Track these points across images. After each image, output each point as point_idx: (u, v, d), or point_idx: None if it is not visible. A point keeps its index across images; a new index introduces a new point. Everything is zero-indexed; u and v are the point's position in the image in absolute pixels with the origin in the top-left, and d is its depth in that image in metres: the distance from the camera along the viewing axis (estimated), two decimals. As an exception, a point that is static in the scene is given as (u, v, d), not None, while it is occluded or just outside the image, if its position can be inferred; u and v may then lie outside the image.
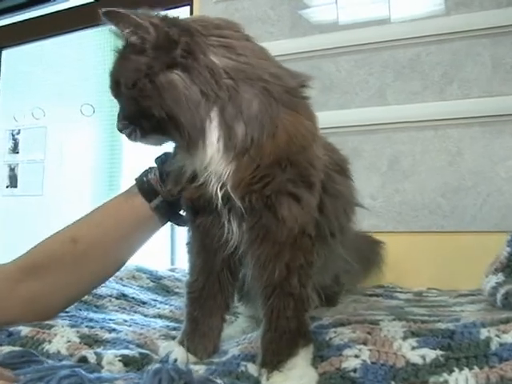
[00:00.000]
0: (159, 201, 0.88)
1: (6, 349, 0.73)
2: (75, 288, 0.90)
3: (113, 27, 0.70)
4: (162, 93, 0.67)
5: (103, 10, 0.68)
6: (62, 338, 0.77)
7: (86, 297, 1.02)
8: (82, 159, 2.50)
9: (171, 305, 1.11)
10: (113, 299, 1.07)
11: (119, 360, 0.69)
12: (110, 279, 1.12)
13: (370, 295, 1.19)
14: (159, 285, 1.27)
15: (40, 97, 2.53)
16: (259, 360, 0.68)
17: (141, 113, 0.70)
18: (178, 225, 0.91)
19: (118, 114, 0.74)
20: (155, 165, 0.90)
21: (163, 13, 0.72)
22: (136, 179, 0.91)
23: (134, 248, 0.92)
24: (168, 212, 0.89)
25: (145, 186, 0.89)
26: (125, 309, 1.04)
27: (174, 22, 0.70)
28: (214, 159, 0.68)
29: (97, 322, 0.88)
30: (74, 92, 2.37)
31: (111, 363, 0.68)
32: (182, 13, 2.07)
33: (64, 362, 0.68)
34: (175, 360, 0.72)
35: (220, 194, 0.70)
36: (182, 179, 0.74)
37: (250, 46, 0.72)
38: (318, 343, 0.70)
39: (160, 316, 1.01)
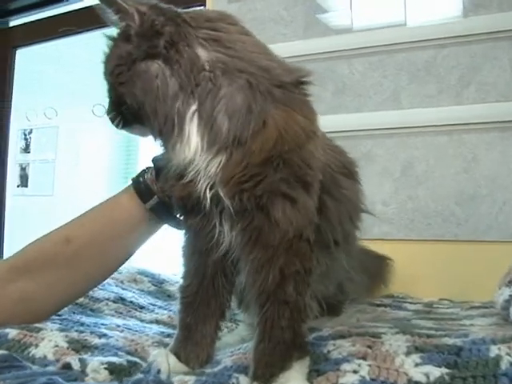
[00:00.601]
0: (155, 201, 0.84)
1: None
2: (68, 290, 0.87)
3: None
4: (136, 81, 0.66)
5: None
6: (49, 342, 0.74)
7: (81, 299, 0.99)
8: (94, 160, 2.49)
9: (170, 310, 1.08)
10: (110, 303, 1.04)
11: (105, 368, 0.65)
12: (110, 281, 1.10)
13: (378, 305, 1.15)
14: (160, 289, 1.24)
15: (52, 96, 2.53)
16: (250, 372, 0.64)
17: (119, 100, 0.69)
18: (175, 228, 0.87)
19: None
20: (152, 164, 0.86)
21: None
22: (132, 179, 0.88)
23: (129, 250, 0.88)
24: (164, 214, 0.85)
25: (141, 187, 0.85)
26: (121, 313, 1.01)
27: (163, 11, 0.68)
28: (198, 154, 0.65)
29: (88, 326, 0.85)
30: (86, 92, 2.35)
31: (96, 371, 0.65)
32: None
33: (46, 369, 0.65)
34: (158, 370, 0.68)
35: (209, 194, 0.66)
36: (170, 175, 0.71)
37: (243, 39, 0.69)
38: (315, 356, 0.66)
39: (157, 321, 0.98)
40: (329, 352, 0.67)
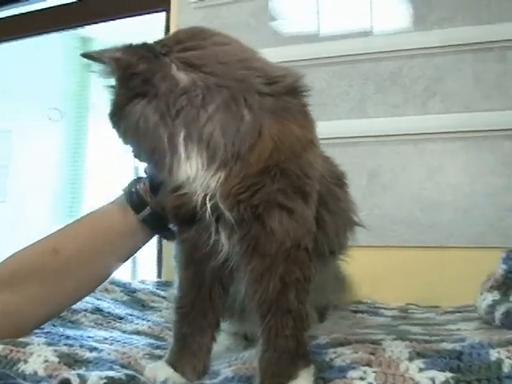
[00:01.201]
0: (147, 212, 0.82)
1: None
2: (54, 302, 0.82)
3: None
4: (125, 124, 0.69)
5: (82, 53, 0.71)
6: (38, 357, 0.70)
7: (59, 312, 0.96)
8: (47, 165, 2.42)
9: (148, 320, 1.05)
10: (88, 314, 1.00)
11: (105, 383, 0.63)
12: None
13: (355, 311, 1.16)
14: (134, 298, 1.20)
15: (5, 100, 2.44)
16: (257, 382, 0.63)
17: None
18: (166, 239, 0.86)
19: None
20: (144, 175, 0.85)
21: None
22: (123, 189, 0.85)
23: (118, 262, 0.85)
24: (156, 224, 0.83)
25: (133, 197, 0.83)
26: (101, 324, 0.97)
27: (136, 50, 0.68)
28: (198, 173, 0.65)
29: (75, 339, 0.81)
30: (40, 96, 2.29)
31: (95, 387, 0.62)
32: (157, 19, 2.03)
33: (44, 386, 0.62)
34: (164, 382, 0.67)
35: (209, 205, 0.66)
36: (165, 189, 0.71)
37: (216, 53, 0.69)
38: (318, 364, 0.66)
39: (139, 332, 0.95)
40: (331, 360, 0.67)
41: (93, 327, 0.95)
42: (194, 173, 0.65)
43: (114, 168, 2.23)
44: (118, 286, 1.25)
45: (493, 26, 1.43)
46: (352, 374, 0.62)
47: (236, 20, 1.73)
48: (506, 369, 0.59)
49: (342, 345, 0.71)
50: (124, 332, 0.94)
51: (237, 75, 0.66)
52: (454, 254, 1.43)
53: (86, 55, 0.70)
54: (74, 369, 0.69)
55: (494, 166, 1.42)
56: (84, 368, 0.69)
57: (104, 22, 2.15)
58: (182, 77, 0.66)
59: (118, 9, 2.10)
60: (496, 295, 0.85)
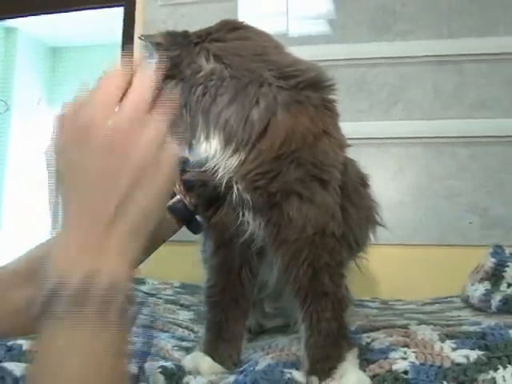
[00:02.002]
0: (176, 201, 0.84)
1: (11, 365, 0.65)
2: None
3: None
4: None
5: (139, 36, 0.76)
6: (73, 351, 0.69)
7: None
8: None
9: (146, 315, 1.05)
10: (92, 309, 0.99)
11: (160, 372, 0.64)
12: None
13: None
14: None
15: None
16: (307, 367, 0.66)
17: None
18: (193, 231, 0.87)
19: None
20: None
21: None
22: None
23: (143, 253, 0.85)
24: (185, 216, 0.85)
25: None
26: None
27: (175, 36, 0.75)
28: (217, 153, 0.70)
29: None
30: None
31: (154, 375, 0.63)
32: (116, 14, 2.00)
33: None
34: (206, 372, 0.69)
35: (235, 186, 0.71)
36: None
37: (238, 46, 0.74)
38: (357, 346, 0.71)
39: (145, 326, 0.95)
40: (368, 344, 0.72)
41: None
42: (213, 152, 0.70)
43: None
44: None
45: (452, 40, 1.55)
46: (394, 354, 0.67)
47: (204, 20, 1.73)
48: (529, 345, 0.66)
49: (371, 330, 0.76)
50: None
51: (250, 67, 0.71)
52: (415, 252, 1.53)
53: (141, 38, 0.75)
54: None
55: (452, 170, 1.53)
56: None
57: (59, 13, 2.09)
58: (205, 66, 0.72)
59: (72, 1, 2.06)
60: (487, 285, 0.94)
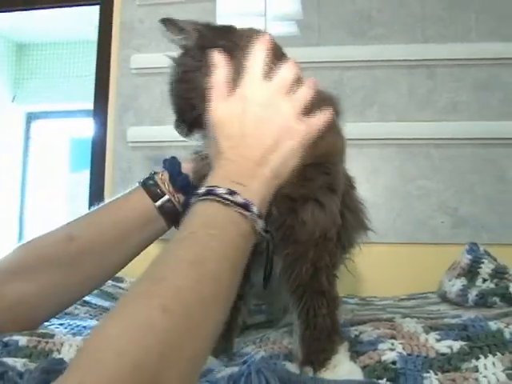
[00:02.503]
0: (165, 200, 0.85)
1: (9, 360, 0.66)
2: (69, 292, 0.82)
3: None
4: (182, 87, 0.77)
5: (164, 18, 0.77)
6: (70, 347, 0.70)
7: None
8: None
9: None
10: (78, 306, 0.99)
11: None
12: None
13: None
14: (103, 292, 1.19)
15: None
16: (301, 358, 0.69)
17: (185, 108, 0.77)
18: None
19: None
20: (161, 167, 0.89)
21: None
22: (140, 182, 0.88)
23: (132, 252, 0.86)
24: (173, 215, 0.86)
25: (151, 187, 0.86)
26: (96, 316, 0.97)
27: (216, 29, 0.79)
28: None
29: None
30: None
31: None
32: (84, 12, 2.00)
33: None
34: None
35: None
36: None
37: None
38: (346, 338, 0.73)
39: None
40: (357, 336, 0.75)
41: (91, 318, 0.94)
42: None
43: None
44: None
45: (425, 45, 1.60)
46: (382, 346, 0.70)
47: (182, 21, 1.76)
48: (507, 335, 0.70)
49: (358, 324, 0.79)
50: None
51: None
52: (388, 250, 1.57)
53: (166, 20, 0.76)
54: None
55: (425, 171, 1.58)
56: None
57: (33, 10, 2.07)
58: None
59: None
60: (464, 281, 0.98)
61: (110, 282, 1.32)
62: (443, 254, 1.34)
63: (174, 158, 0.89)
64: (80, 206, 3.04)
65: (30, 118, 4.00)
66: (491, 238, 1.52)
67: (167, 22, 0.77)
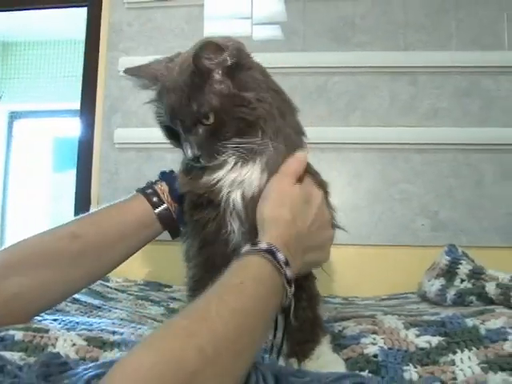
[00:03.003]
0: (163, 208, 0.90)
1: (7, 354, 0.68)
2: (65, 288, 0.84)
3: None
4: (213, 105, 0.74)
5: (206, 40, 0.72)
6: (65, 341, 0.72)
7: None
8: None
9: (120, 309, 1.08)
10: (69, 304, 1.01)
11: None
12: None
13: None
14: (91, 290, 1.21)
15: None
16: (286, 350, 0.73)
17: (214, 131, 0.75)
18: (173, 236, 0.94)
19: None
20: (159, 178, 0.94)
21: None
22: (139, 189, 0.93)
23: (128, 252, 0.91)
24: (169, 222, 0.91)
25: (152, 195, 0.91)
26: (86, 313, 0.99)
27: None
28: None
29: (88, 325, 0.84)
30: None
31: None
32: (79, 14, 2.00)
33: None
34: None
35: (233, 198, 0.76)
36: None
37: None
38: (331, 334, 0.77)
39: (123, 319, 0.98)
40: (340, 331, 0.78)
41: (82, 315, 0.96)
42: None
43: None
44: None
45: (407, 53, 1.65)
46: (364, 340, 0.74)
47: (170, 24, 1.78)
48: (482, 331, 0.75)
49: (342, 320, 0.82)
50: (113, 319, 0.97)
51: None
52: (370, 252, 1.61)
53: (208, 42, 0.71)
54: (104, 350, 0.73)
55: (406, 175, 1.62)
56: (116, 349, 0.73)
57: (21, 10, 2.08)
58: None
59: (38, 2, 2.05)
60: (442, 281, 1.02)
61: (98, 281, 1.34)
62: (423, 256, 1.38)
63: (172, 171, 0.94)
64: (64, 206, 3.03)
65: (13, 116, 3.98)
66: (470, 241, 1.57)
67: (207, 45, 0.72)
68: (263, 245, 0.64)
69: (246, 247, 0.65)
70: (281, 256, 0.63)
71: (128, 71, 0.81)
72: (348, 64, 1.67)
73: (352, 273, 1.59)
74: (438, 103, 1.64)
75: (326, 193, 0.94)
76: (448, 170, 1.62)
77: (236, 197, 0.76)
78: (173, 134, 0.78)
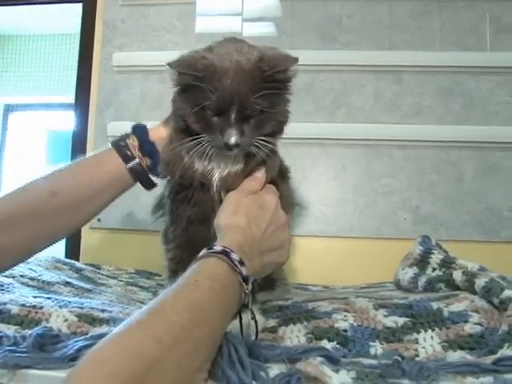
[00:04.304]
0: (135, 164, 0.96)
1: (3, 327, 0.74)
2: (44, 240, 0.91)
3: None
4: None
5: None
6: (57, 317, 0.78)
7: (35, 283, 1.02)
8: None
9: (110, 293, 1.13)
10: (61, 286, 1.06)
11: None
12: (41, 268, 1.12)
13: (290, 288, 1.33)
14: (83, 276, 1.27)
15: None
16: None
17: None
18: (146, 187, 1.01)
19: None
20: (131, 132, 1.00)
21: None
22: (112, 143, 0.98)
23: (103, 204, 0.97)
24: (140, 175, 0.98)
25: (124, 150, 0.97)
26: (78, 295, 1.04)
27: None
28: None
29: (79, 303, 0.89)
30: None
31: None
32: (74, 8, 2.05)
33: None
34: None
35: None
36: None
37: None
38: (303, 311, 0.83)
39: (112, 301, 1.03)
40: (314, 309, 0.84)
41: (74, 297, 1.02)
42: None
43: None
44: (64, 264, 1.31)
45: (392, 52, 1.71)
46: (336, 316, 0.80)
47: (163, 21, 1.83)
48: (445, 314, 0.80)
49: (316, 301, 0.88)
50: (103, 300, 1.02)
51: None
52: (354, 243, 1.67)
53: (296, 59, 0.88)
54: (94, 326, 0.78)
55: (389, 170, 1.68)
56: (105, 325, 0.79)
57: (17, 5, 2.12)
58: None
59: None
60: (415, 270, 1.08)
61: (90, 268, 1.40)
62: (405, 249, 1.42)
63: (143, 125, 1.01)
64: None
65: (8, 109, 4.02)
66: (450, 235, 1.64)
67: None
68: (218, 247, 0.70)
69: (203, 251, 0.70)
70: (235, 256, 0.70)
71: (180, 67, 0.81)
72: (334, 62, 1.73)
73: (335, 263, 1.66)
74: (421, 101, 1.70)
75: (285, 176, 1.02)
76: (430, 166, 1.68)
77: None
78: (202, 118, 0.82)
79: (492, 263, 1.07)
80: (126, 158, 0.96)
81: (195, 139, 0.82)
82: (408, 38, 1.71)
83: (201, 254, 0.70)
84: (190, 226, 0.88)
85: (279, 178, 0.98)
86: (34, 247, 0.91)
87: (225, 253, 0.69)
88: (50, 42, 3.83)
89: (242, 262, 0.70)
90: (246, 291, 0.70)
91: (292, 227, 1.09)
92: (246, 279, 0.69)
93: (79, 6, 1.98)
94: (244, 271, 0.70)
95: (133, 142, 0.97)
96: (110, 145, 0.98)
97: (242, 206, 0.81)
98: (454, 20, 1.72)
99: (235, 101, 0.79)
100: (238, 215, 0.80)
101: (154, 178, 1.00)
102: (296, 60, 0.87)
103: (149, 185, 1.00)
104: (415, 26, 1.72)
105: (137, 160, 0.96)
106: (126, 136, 0.99)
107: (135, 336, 0.53)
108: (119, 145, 0.97)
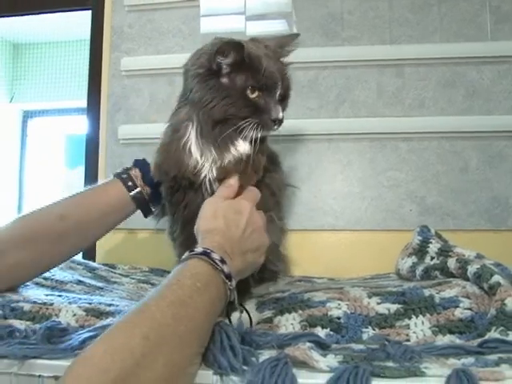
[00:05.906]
0: (137, 191, 1.07)
1: (15, 322, 0.79)
2: (54, 259, 1.03)
3: None
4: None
5: None
6: (67, 312, 0.84)
7: (49, 283, 1.08)
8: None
9: (122, 290, 1.19)
10: (74, 285, 1.12)
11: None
12: (56, 268, 1.18)
13: (294, 281, 1.37)
14: (96, 275, 1.32)
15: None
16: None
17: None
18: (145, 215, 1.12)
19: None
20: (133, 165, 1.12)
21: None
22: (116, 174, 1.09)
23: (108, 228, 1.09)
24: (141, 202, 1.09)
25: (127, 180, 1.08)
26: (89, 293, 1.10)
27: None
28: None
29: (89, 300, 0.94)
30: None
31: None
32: (86, 15, 2.10)
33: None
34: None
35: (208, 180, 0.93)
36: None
37: None
38: (299, 301, 0.87)
39: (123, 298, 1.09)
40: (309, 299, 0.88)
41: (85, 294, 1.07)
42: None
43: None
44: (78, 264, 1.36)
45: (394, 46, 1.72)
46: (330, 304, 0.84)
47: (168, 25, 1.88)
48: (437, 300, 0.83)
49: (312, 291, 0.92)
50: (113, 297, 1.07)
51: None
52: (361, 236, 1.70)
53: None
54: (101, 319, 0.83)
55: (394, 163, 1.71)
56: (111, 318, 0.84)
57: (26, 15, 2.18)
58: None
59: (42, 3, 2.14)
60: (414, 259, 1.11)
61: (104, 267, 1.45)
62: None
63: (144, 159, 1.12)
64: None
65: (27, 116, 4.12)
66: (456, 225, 1.66)
67: None
68: (199, 249, 0.75)
69: (185, 254, 0.75)
70: (216, 256, 0.74)
71: (235, 50, 0.91)
72: (337, 58, 1.75)
73: (343, 256, 1.68)
74: (424, 94, 1.71)
75: (276, 161, 1.12)
76: (434, 157, 1.70)
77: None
78: (247, 102, 0.89)
79: (499, 251, 1.09)
80: (129, 187, 1.07)
81: (238, 127, 0.89)
82: (408, 31, 1.73)
83: (183, 256, 0.75)
84: (186, 226, 0.93)
85: (271, 165, 1.05)
86: (46, 264, 1.02)
87: (205, 253, 0.74)
88: (65, 48, 3.91)
89: (223, 261, 0.75)
90: (231, 288, 0.74)
91: (284, 209, 1.18)
92: (228, 276, 0.74)
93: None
94: (226, 269, 0.74)
95: (135, 173, 1.09)
96: (112, 176, 1.09)
97: (219, 210, 0.86)
98: (453, 11, 1.73)
99: (279, 79, 0.91)
100: (216, 219, 0.85)
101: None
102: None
103: (147, 212, 1.12)
104: (415, 19, 1.74)
105: (139, 189, 1.07)
106: (129, 168, 1.10)
107: (123, 334, 0.57)
108: (122, 176, 1.08)
